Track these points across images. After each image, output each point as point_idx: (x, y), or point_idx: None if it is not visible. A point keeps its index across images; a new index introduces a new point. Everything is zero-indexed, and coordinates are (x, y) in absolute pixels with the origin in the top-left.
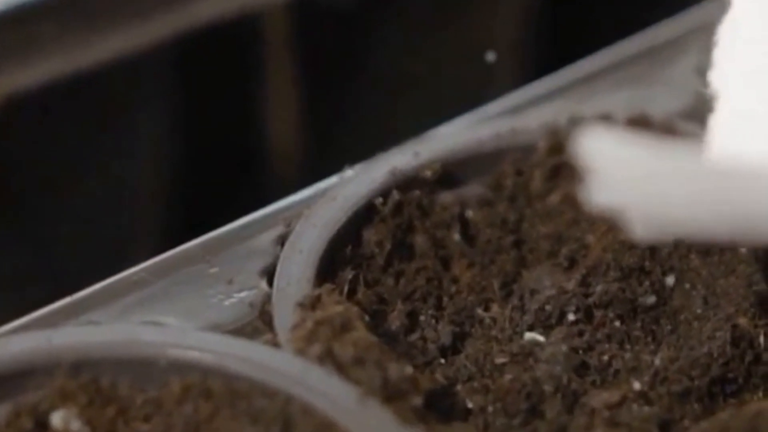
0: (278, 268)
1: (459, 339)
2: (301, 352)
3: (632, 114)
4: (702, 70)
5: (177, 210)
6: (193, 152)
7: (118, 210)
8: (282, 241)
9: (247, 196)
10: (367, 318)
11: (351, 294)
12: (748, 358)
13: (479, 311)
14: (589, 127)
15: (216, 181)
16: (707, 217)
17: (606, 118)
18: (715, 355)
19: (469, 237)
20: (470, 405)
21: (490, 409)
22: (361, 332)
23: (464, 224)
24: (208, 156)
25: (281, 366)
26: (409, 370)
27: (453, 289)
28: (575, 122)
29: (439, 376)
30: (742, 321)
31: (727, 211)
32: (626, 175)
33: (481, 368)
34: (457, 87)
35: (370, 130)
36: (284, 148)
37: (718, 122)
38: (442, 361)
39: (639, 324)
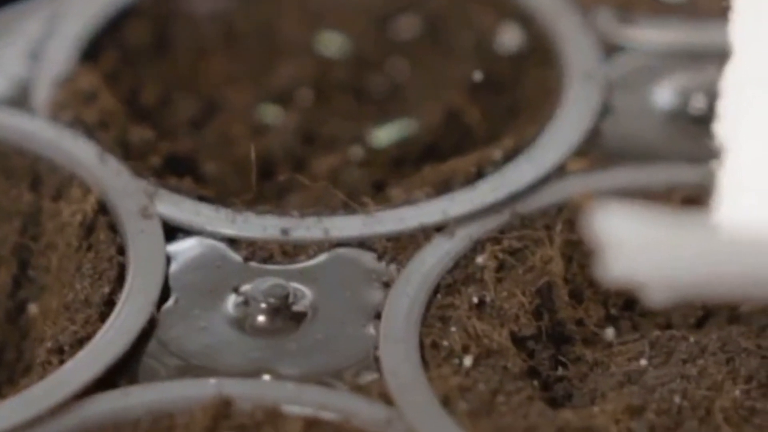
0: (42, 50)
1: (206, 114)
2: (53, 118)
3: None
4: None
5: None
6: None
7: None
8: (48, 26)
9: None
10: (123, 94)
11: (111, 75)
12: (460, 131)
13: (227, 91)
14: (600, 205)
15: None
16: (719, 281)
17: None
18: (429, 127)
19: (225, 32)
20: (208, 170)
21: (227, 173)
22: (108, 102)
23: (222, 21)
24: None
25: (34, 130)
26: (150, 134)
27: (207, 74)
28: None
29: (182, 144)
30: (458, 101)
31: (737, 275)
32: (640, 247)
33: (221, 139)
34: None
35: None
36: None
37: (726, 185)
38: (188, 132)
39: (369, 104)
